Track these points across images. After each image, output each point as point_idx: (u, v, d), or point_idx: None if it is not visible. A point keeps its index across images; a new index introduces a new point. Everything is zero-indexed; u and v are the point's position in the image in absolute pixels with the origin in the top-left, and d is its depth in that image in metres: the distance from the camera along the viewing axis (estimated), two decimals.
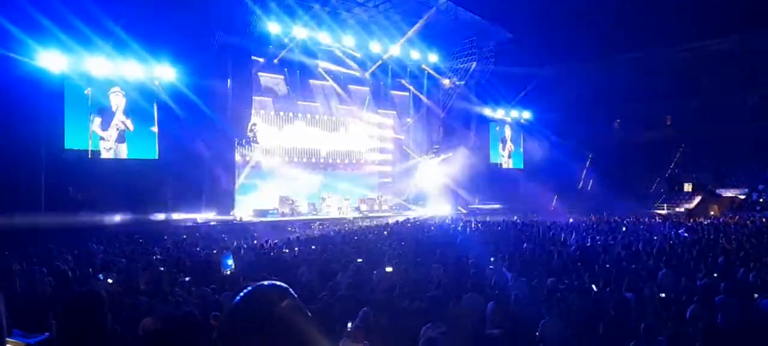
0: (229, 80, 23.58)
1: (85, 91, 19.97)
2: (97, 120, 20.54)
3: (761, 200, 29.46)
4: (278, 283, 1.29)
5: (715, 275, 8.85)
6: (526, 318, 6.52)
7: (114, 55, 20.17)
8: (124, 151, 21.25)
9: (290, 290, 1.27)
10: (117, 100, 21.00)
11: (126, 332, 5.81)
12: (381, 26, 27.58)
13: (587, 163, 34.74)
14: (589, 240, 14.75)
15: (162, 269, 9.73)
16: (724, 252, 11.72)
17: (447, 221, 24.76)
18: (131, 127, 21.29)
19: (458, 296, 7.19)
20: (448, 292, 7.46)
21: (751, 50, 34.65)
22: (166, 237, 16.28)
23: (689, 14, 32.61)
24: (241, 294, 1.26)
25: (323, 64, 27.76)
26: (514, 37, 31.00)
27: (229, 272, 8.41)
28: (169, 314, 5.47)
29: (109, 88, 20.77)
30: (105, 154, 20.67)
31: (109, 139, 20.80)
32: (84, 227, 16.80)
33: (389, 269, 9.03)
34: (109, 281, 7.85)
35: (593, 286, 8.15)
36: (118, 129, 20.99)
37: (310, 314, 1.26)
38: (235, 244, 15.38)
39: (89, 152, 20.04)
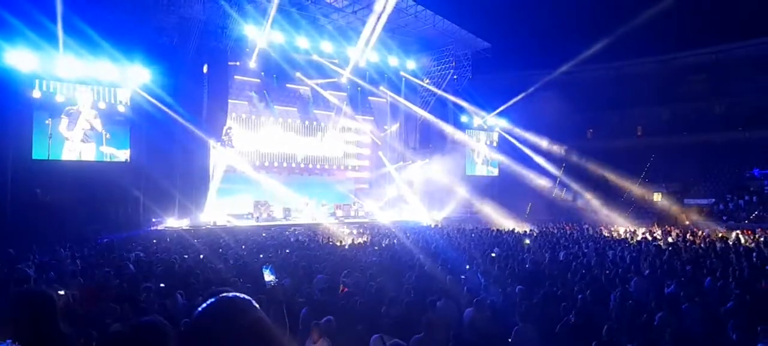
0: (204, 83, 23.27)
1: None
2: (64, 120, 19.94)
3: (728, 209, 30.29)
4: (241, 295, 1.26)
5: (682, 279, 9.08)
6: (500, 325, 6.56)
7: (85, 55, 19.71)
8: (90, 152, 20.62)
9: (253, 301, 1.25)
10: (84, 99, 20.41)
11: (93, 339, 5.64)
12: (359, 32, 27.59)
13: (561, 172, 35.26)
14: (560, 250, 14.92)
15: (131, 274, 9.50)
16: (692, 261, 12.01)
17: (423, 227, 24.82)
18: (100, 127, 20.74)
19: (433, 303, 7.19)
20: (422, 299, 7.45)
21: (718, 62, 35.78)
22: (135, 242, 15.90)
23: (660, 27, 33.52)
24: (204, 306, 1.23)
25: (300, 69, 27.60)
26: (492, 47, 31.39)
27: (272, 285, 7.87)
28: (136, 320, 5.32)
29: (77, 88, 20.19)
30: (67, 156, 20.00)
31: (74, 140, 20.16)
32: (51, 231, 16.33)
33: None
34: (61, 292, 7.55)
35: (566, 293, 8.24)
36: (83, 129, 20.37)
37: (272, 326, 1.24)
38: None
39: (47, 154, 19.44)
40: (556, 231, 22.41)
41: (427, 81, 31.56)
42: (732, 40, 33.94)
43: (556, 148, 35.05)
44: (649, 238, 19.70)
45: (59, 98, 19.85)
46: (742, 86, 34.67)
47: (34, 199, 18.44)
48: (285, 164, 29.05)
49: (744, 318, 6.29)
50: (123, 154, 21.53)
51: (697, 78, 36.74)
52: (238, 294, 1.26)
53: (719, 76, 35.75)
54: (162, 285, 8.51)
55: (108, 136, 21.09)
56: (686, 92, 36.93)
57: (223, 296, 1.25)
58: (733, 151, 33.64)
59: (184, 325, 4.89)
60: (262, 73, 27.15)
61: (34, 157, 19.31)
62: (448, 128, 32.50)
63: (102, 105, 20.82)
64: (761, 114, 33.79)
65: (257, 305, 1.24)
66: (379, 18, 24.55)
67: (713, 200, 31.78)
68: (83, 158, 20.41)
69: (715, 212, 30.44)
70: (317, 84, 28.84)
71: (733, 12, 32.09)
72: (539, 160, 34.60)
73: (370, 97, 31.66)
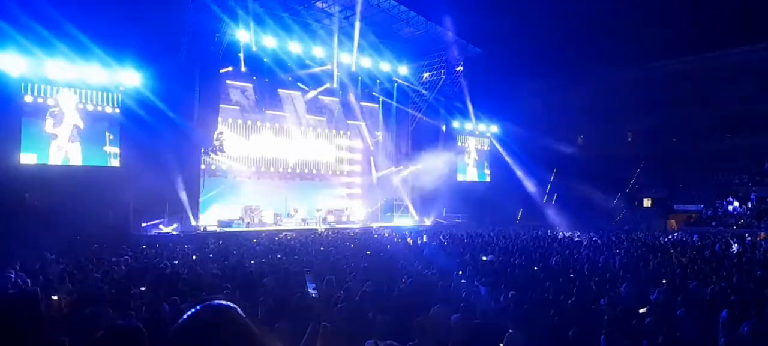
0: (196, 88, 23.17)
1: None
2: (50, 121, 19.71)
3: (717, 215, 30.58)
4: (226, 303, 1.25)
5: (666, 284, 9.14)
6: (492, 330, 6.54)
7: (75, 58, 19.56)
8: (77, 153, 20.37)
9: (238, 309, 1.24)
10: (69, 100, 20.19)
11: (80, 344, 5.56)
12: (351, 37, 27.63)
13: (551, 178, 35.46)
14: (554, 256, 14.96)
15: (120, 280, 9.40)
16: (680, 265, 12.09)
17: (414, 232, 24.79)
18: (81, 125, 20.46)
19: (425, 308, 7.17)
20: (414, 304, 7.43)
21: (706, 70, 36.20)
22: (125, 247, 15.75)
23: (649, 37, 33.88)
24: (190, 312, 1.21)
25: (292, 74, 27.56)
26: (483, 53, 31.56)
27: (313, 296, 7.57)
28: (113, 324, 5.25)
29: (61, 90, 19.98)
30: (54, 156, 19.74)
31: (61, 138, 19.94)
32: (39, 235, 16.13)
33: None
34: (54, 297, 7.47)
35: (557, 299, 8.25)
36: (69, 129, 20.15)
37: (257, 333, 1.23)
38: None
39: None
40: (547, 236, 22.48)
41: (419, 87, 31.61)
42: (719, 48, 34.38)
43: (547, 154, 35.23)
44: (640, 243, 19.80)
45: (49, 101, 19.68)
46: (729, 94, 35.12)
47: (22, 203, 18.24)
48: (276, 170, 28.94)
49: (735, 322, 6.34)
50: (113, 157, 21.35)
51: (686, 86, 37.16)
52: (223, 302, 1.26)
53: (707, 85, 36.19)
54: (149, 290, 8.43)
55: (111, 136, 21.03)
56: (675, 99, 37.34)
57: (209, 303, 1.24)
58: (720, 157, 34.01)
59: (169, 331, 4.83)
60: (254, 78, 27.10)
61: (22, 161, 19.11)
62: (440, 134, 32.59)
63: (90, 107, 20.64)
64: (748, 121, 34.21)
65: (242, 313, 1.23)
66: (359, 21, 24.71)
67: (702, 206, 32.10)
68: (70, 158, 20.13)
69: (704, 218, 30.72)
70: (309, 89, 28.81)
71: (720, 20, 32.50)
72: (530, 166, 34.79)
73: (362, 103, 31.67)
